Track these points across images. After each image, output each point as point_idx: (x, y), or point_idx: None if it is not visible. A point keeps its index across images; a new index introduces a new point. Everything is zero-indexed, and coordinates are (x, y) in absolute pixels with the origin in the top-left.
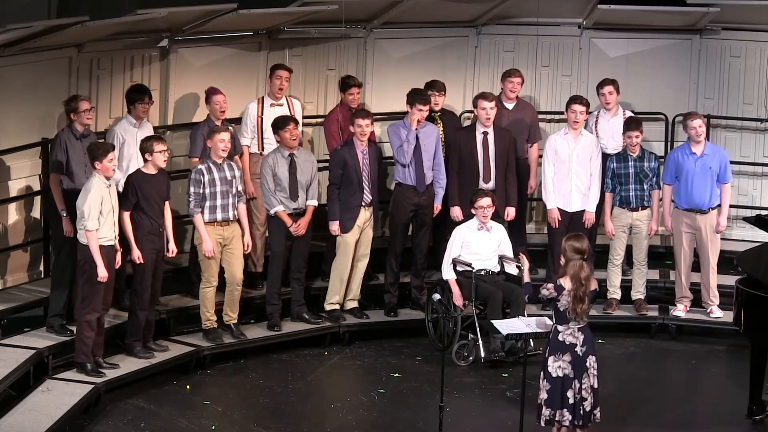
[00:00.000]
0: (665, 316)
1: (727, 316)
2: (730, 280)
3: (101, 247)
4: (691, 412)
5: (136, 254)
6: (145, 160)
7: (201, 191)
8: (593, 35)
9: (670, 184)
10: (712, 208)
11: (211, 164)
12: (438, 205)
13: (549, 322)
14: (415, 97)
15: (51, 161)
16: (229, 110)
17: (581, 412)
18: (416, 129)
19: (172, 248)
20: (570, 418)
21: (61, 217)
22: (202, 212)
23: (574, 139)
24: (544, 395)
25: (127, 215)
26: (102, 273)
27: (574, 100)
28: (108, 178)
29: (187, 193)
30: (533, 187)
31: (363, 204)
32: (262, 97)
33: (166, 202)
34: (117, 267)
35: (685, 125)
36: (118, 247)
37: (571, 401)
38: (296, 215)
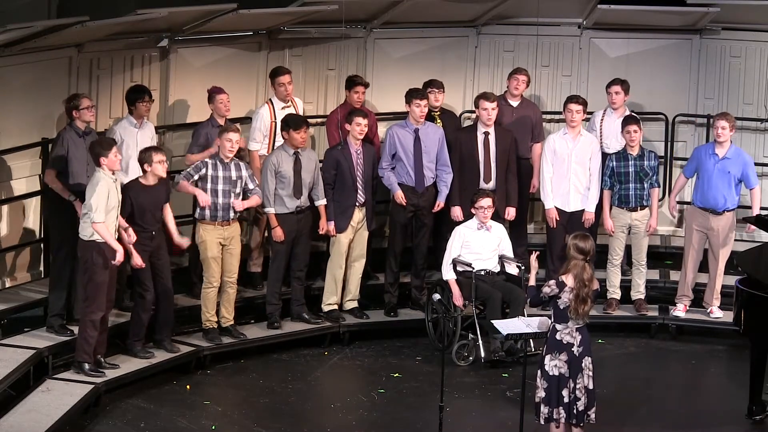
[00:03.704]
0: (665, 316)
1: (727, 316)
2: (730, 280)
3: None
4: (691, 412)
5: (138, 261)
6: (144, 171)
7: (197, 175)
8: (593, 35)
9: (687, 177)
10: (727, 211)
11: (218, 161)
12: (440, 203)
13: (549, 322)
14: (412, 93)
15: (50, 157)
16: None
17: (574, 411)
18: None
19: (179, 241)
20: (565, 416)
21: (72, 202)
22: (203, 210)
23: (573, 138)
24: (541, 393)
25: (122, 221)
26: (119, 257)
27: (571, 99)
28: (113, 172)
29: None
30: (535, 186)
31: (357, 204)
32: (271, 100)
33: (166, 204)
34: (117, 265)
35: (712, 124)
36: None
37: (566, 400)
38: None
